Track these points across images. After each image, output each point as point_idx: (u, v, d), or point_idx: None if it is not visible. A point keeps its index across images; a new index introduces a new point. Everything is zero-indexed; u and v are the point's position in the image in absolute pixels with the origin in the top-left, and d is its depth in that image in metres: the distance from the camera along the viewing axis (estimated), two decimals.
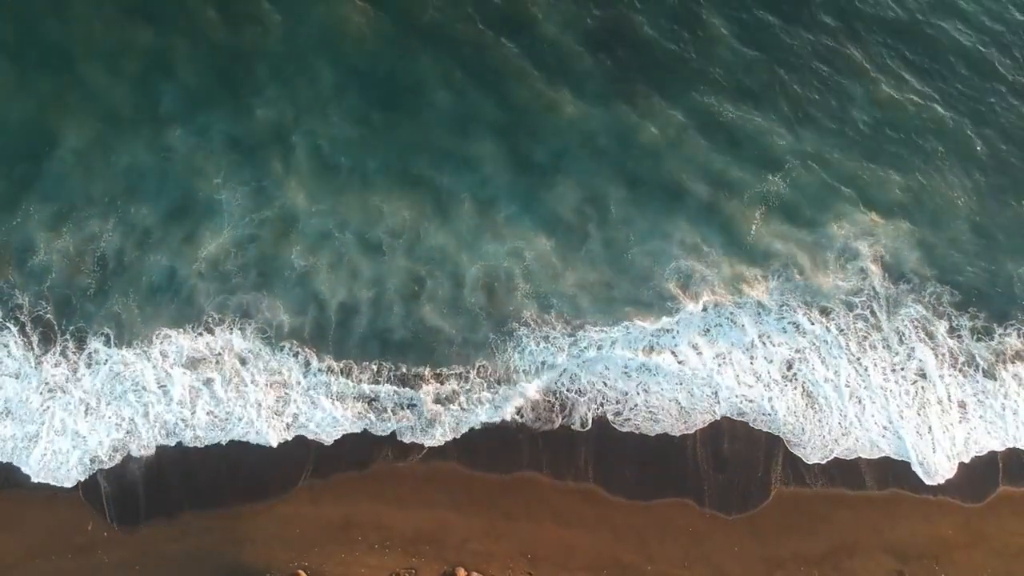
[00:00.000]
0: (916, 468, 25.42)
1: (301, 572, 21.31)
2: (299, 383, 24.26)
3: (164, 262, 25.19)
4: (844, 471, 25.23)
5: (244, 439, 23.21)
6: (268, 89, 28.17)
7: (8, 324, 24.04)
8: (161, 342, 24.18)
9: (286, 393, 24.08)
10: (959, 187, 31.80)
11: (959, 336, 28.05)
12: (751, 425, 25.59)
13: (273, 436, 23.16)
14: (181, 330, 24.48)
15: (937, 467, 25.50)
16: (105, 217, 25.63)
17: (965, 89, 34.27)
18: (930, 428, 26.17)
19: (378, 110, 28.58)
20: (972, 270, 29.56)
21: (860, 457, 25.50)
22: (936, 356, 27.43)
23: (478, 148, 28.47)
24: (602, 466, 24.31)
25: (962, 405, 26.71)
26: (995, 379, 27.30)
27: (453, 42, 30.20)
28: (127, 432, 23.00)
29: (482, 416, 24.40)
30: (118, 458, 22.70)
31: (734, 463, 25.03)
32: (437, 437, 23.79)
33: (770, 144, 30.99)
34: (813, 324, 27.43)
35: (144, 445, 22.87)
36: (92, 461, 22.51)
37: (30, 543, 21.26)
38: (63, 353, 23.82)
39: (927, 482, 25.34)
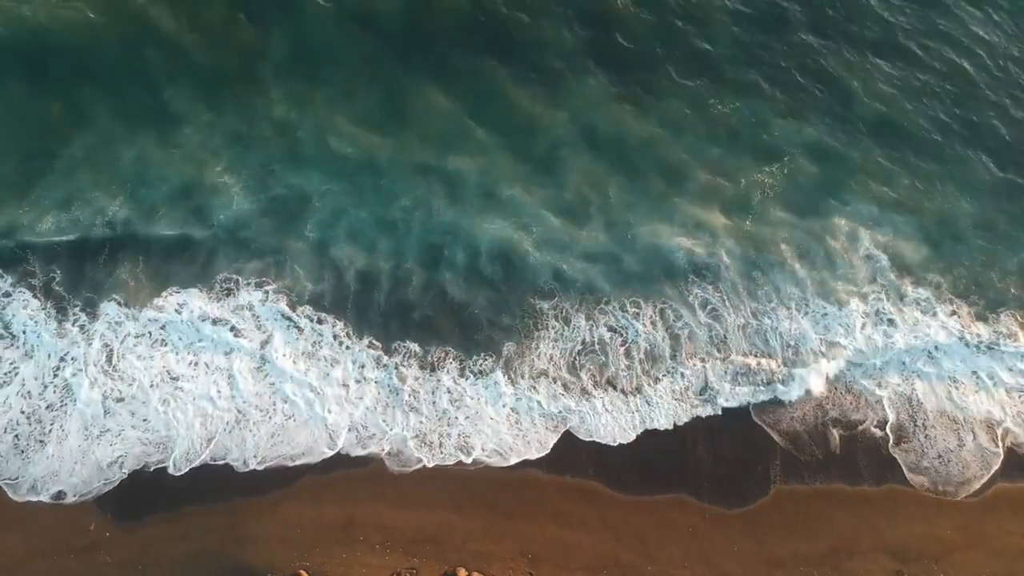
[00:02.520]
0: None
1: (303, 572, 21.36)
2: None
3: (173, 233, 25.65)
4: (842, 467, 25.31)
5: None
6: (274, 88, 28.25)
7: (22, 289, 24.26)
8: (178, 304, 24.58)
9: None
10: (962, 183, 32.07)
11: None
12: None
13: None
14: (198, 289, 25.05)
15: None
16: (113, 198, 25.78)
17: (969, 88, 34.40)
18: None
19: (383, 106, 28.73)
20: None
21: (858, 452, 25.61)
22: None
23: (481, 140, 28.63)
24: (602, 462, 24.35)
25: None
26: None
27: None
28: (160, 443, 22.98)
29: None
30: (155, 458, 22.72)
31: (733, 458, 25.07)
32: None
33: (771, 136, 31.06)
34: None
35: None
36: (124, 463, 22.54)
37: (32, 543, 21.21)
38: (79, 325, 23.94)
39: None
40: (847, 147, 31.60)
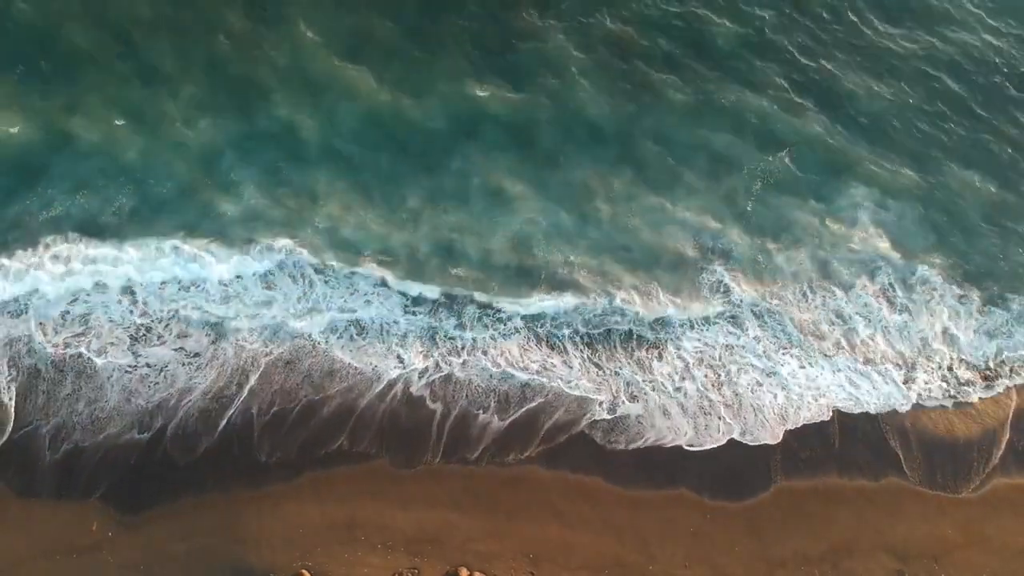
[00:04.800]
0: None
1: (305, 572, 21.41)
2: None
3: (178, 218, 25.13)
4: (842, 462, 25.44)
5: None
6: (277, 92, 27.59)
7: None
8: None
9: None
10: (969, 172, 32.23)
11: None
12: None
13: None
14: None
15: None
16: (119, 189, 25.11)
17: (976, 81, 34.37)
18: None
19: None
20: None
21: (858, 447, 25.73)
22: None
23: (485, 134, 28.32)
24: (604, 458, 24.39)
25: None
26: None
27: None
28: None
29: None
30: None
31: (734, 453, 25.12)
32: None
33: (777, 127, 31.01)
34: None
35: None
36: None
37: (35, 543, 21.17)
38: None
39: None
40: (853, 138, 31.57)
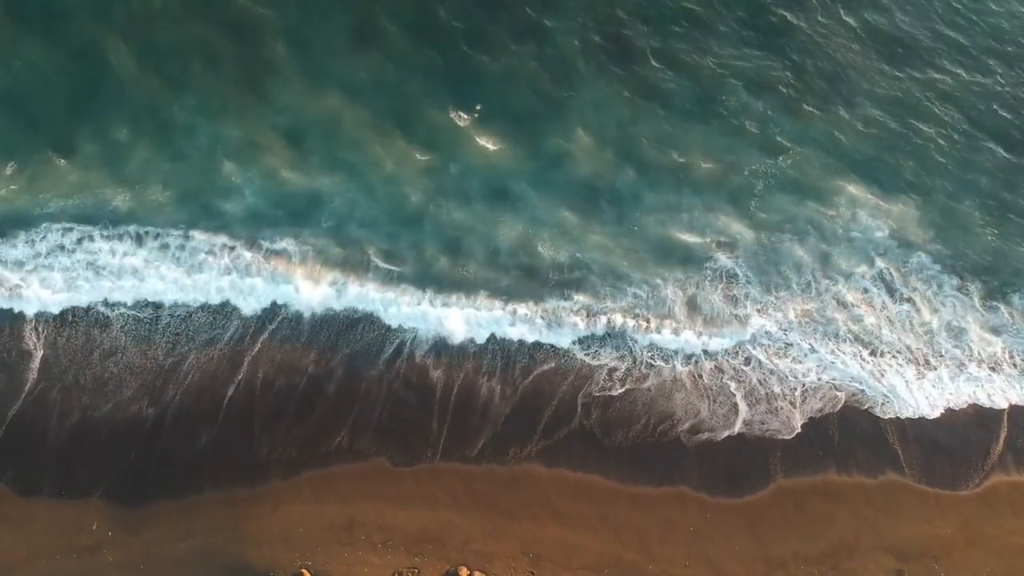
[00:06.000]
0: None
1: (305, 571, 21.43)
2: None
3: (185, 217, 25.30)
4: (841, 460, 25.42)
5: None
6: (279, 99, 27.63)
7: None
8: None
9: None
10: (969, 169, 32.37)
11: None
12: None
13: None
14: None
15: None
16: (122, 191, 25.25)
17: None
18: None
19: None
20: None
21: (856, 445, 25.71)
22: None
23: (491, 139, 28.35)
24: (603, 456, 24.34)
25: None
26: None
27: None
28: None
29: None
30: None
31: (733, 451, 25.11)
32: None
33: (778, 132, 31.01)
34: None
35: None
36: None
37: (35, 543, 21.20)
38: None
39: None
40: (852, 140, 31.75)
